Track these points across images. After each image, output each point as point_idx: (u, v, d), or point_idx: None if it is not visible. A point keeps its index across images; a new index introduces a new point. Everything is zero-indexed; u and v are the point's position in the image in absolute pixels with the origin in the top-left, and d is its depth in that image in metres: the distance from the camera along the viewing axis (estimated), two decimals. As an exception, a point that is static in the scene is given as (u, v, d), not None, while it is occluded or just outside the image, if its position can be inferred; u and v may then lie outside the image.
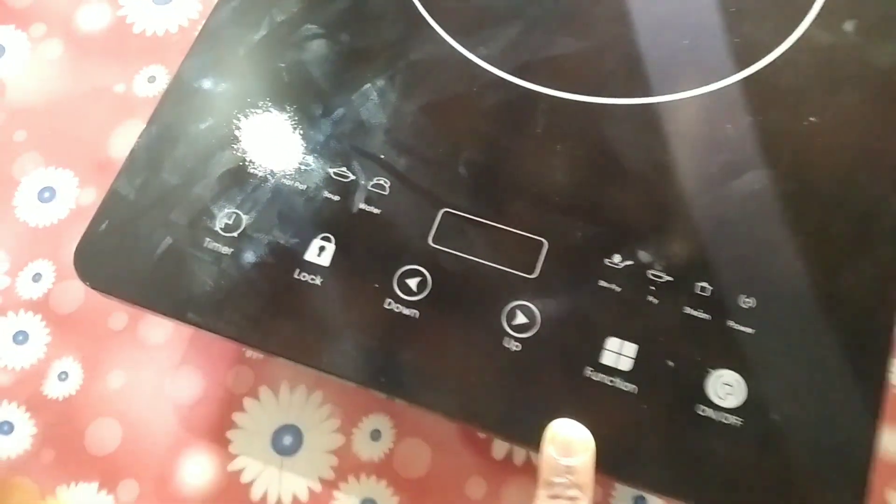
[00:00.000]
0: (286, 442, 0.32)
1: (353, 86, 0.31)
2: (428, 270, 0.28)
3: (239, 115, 0.31)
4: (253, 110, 0.31)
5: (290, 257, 0.28)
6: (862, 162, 0.28)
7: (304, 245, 0.28)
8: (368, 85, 0.31)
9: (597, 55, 0.31)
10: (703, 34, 0.31)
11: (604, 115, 0.30)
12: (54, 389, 0.34)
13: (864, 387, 0.25)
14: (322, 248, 0.28)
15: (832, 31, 0.31)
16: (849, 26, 0.31)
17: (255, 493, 0.31)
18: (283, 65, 0.32)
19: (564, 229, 0.28)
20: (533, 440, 0.25)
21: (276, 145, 0.30)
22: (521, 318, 0.27)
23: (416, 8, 0.32)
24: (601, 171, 0.29)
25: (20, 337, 0.35)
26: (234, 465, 0.32)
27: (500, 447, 0.31)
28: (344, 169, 0.29)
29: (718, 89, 0.30)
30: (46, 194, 0.38)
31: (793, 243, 0.27)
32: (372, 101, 0.31)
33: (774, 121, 0.29)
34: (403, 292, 0.27)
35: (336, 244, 0.28)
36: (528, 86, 0.31)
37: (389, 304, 0.27)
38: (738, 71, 0.30)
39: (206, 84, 0.32)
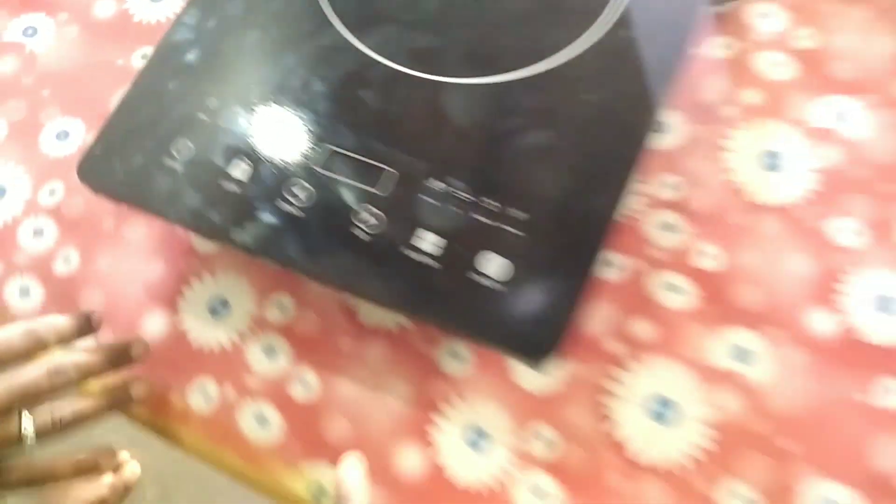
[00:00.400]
0: (218, 309, 0.45)
1: (276, 62, 0.44)
2: (314, 187, 0.41)
3: (195, 80, 0.44)
4: (205, 76, 0.44)
5: (220, 173, 0.41)
6: (605, 122, 0.41)
7: (231, 166, 0.41)
8: (287, 62, 0.44)
9: (445, 48, 0.44)
10: (521, 37, 0.44)
11: (444, 89, 0.42)
12: (60, 268, 0.47)
13: (576, 274, 0.37)
14: (242, 169, 0.41)
15: (615, 38, 0.43)
16: (627, 33, 0.43)
17: (194, 342, 0.44)
18: (229, 47, 0.45)
19: (407, 163, 0.40)
20: (368, 294, 0.38)
21: (218, 100, 0.43)
22: (372, 221, 0.40)
23: (324, 11, 0.46)
24: (437, 127, 0.42)
25: (38, 233, 0.48)
26: (181, 325, 0.45)
27: (364, 315, 0.44)
28: (264, 118, 0.43)
29: (524, 77, 0.42)
30: (62, 135, 0.51)
31: (554, 179, 0.39)
32: (288, 73, 0.44)
33: (557, 97, 0.41)
34: (296, 200, 0.40)
35: (252, 167, 0.41)
36: (398, 68, 0.43)
37: (285, 207, 0.40)
38: (540, 61, 0.43)
39: (175, 58, 0.45)
